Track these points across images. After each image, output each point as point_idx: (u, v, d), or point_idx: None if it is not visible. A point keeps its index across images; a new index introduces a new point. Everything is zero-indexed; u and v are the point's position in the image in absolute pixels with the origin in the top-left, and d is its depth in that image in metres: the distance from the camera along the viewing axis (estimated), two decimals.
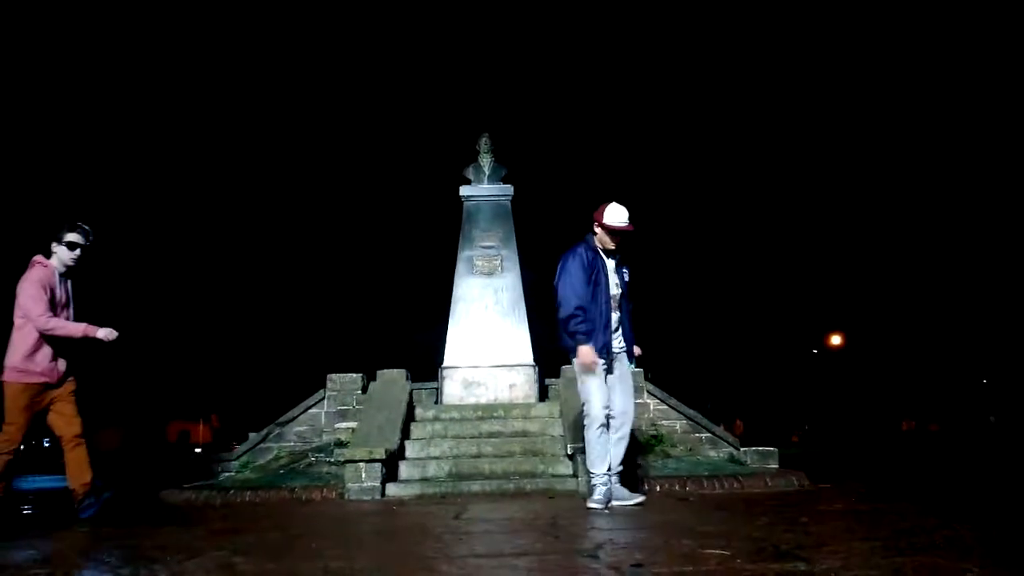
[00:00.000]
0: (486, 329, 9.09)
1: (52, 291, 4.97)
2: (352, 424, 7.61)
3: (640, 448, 7.32)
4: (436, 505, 5.40)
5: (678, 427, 7.94)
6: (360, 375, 8.38)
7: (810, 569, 2.46)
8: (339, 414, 8.15)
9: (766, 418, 43.97)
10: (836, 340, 39.61)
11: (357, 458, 6.28)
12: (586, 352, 4.78)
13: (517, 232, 9.60)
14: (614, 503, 4.84)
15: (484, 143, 9.84)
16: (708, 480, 6.15)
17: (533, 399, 8.66)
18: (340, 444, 7.33)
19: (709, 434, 7.86)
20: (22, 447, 4.97)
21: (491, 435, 7.45)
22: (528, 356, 9.03)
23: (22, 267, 5.02)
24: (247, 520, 4.79)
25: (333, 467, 7.01)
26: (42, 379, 4.91)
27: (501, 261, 9.39)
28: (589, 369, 4.82)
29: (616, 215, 4.93)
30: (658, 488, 5.99)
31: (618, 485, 4.97)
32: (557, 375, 8.33)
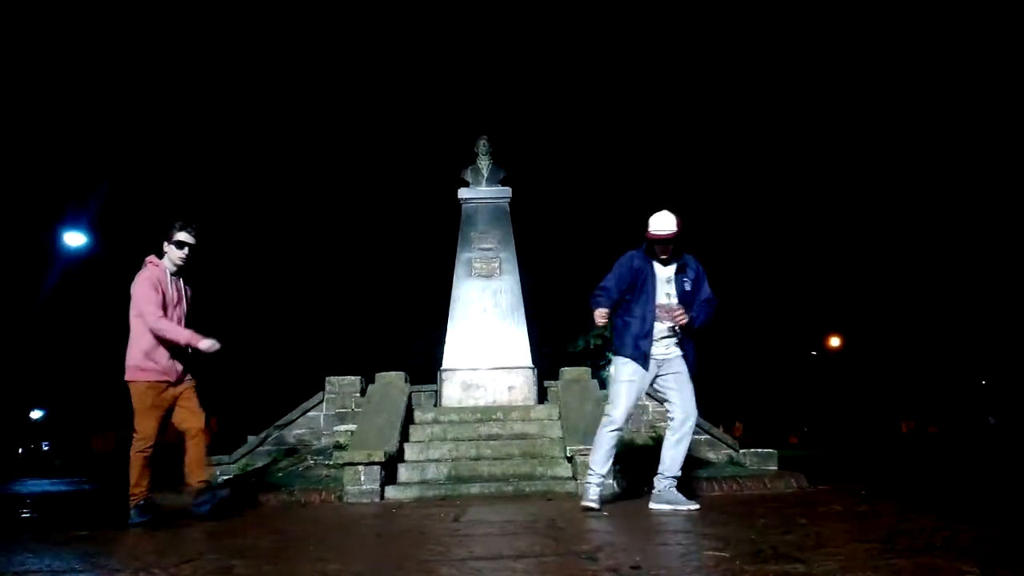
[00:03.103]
0: (485, 331, 9.09)
1: (163, 290, 5.02)
2: (351, 427, 7.61)
3: (639, 451, 7.31)
4: (435, 507, 5.39)
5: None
6: (359, 378, 8.38)
7: (809, 571, 2.46)
8: (338, 417, 8.15)
9: (765, 420, 43.99)
10: (835, 342, 39.62)
11: (356, 461, 6.27)
12: (598, 314, 4.87)
13: (516, 234, 9.61)
14: (668, 507, 4.79)
15: (482, 145, 9.85)
16: (707, 482, 6.15)
17: (532, 401, 8.66)
18: (339, 447, 7.32)
19: (708, 436, 7.86)
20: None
21: (490, 437, 7.45)
22: (527, 358, 9.02)
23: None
24: (245, 523, 4.79)
25: (332, 470, 7.00)
26: (163, 377, 4.97)
27: (500, 263, 9.39)
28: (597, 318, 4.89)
29: (654, 223, 4.85)
30: (645, 489, 5.98)
31: (673, 490, 4.93)
32: (556, 377, 8.34)
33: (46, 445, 43.32)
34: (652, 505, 4.89)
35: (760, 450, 7.62)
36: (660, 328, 4.92)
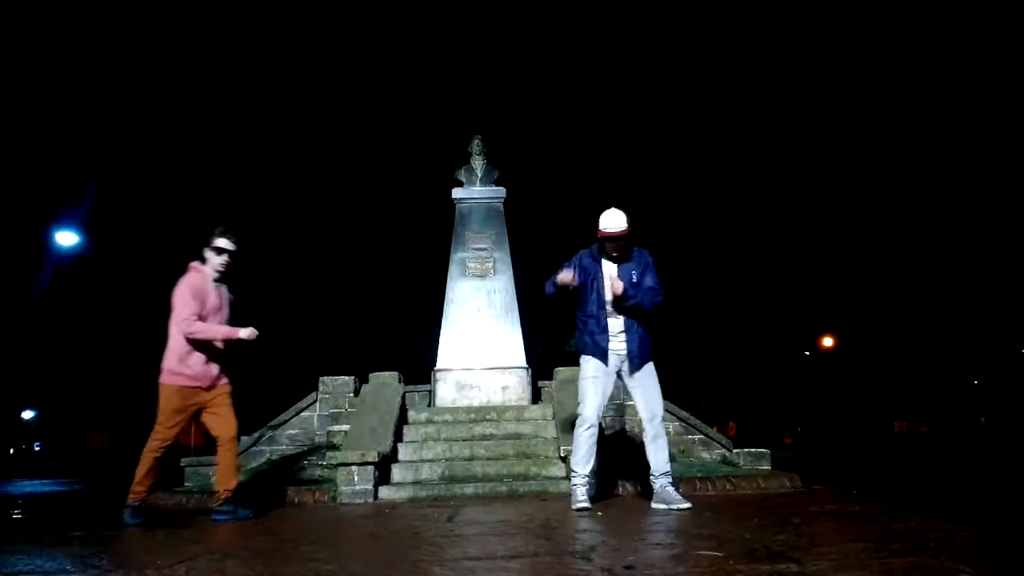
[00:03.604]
0: (479, 331, 9.09)
1: (204, 296, 5.03)
2: (344, 427, 7.59)
3: (633, 450, 7.32)
4: (429, 508, 5.39)
5: (671, 429, 7.93)
6: (352, 378, 8.36)
7: (802, 570, 2.46)
8: (331, 417, 8.13)
9: (759, 420, 44.10)
10: (828, 342, 39.74)
11: (349, 461, 6.26)
12: (561, 276, 4.95)
13: (510, 234, 9.60)
14: (663, 506, 4.80)
15: (476, 145, 9.85)
16: (700, 482, 6.15)
17: (526, 401, 8.66)
18: (332, 447, 7.30)
19: (702, 435, 7.87)
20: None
21: (484, 437, 7.45)
22: (521, 358, 9.02)
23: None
24: (239, 523, 4.77)
25: (325, 470, 6.99)
26: (195, 383, 5.00)
27: (494, 263, 9.39)
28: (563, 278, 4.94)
29: (605, 221, 4.91)
30: (637, 489, 5.99)
31: (668, 488, 4.93)
32: (550, 377, 8.34)
33: (38, 446, 43.15)
34: (654, 504, 4.92)
35: (754, 450, 7.63)
36: (615, 324, 4.98)
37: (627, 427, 7.92)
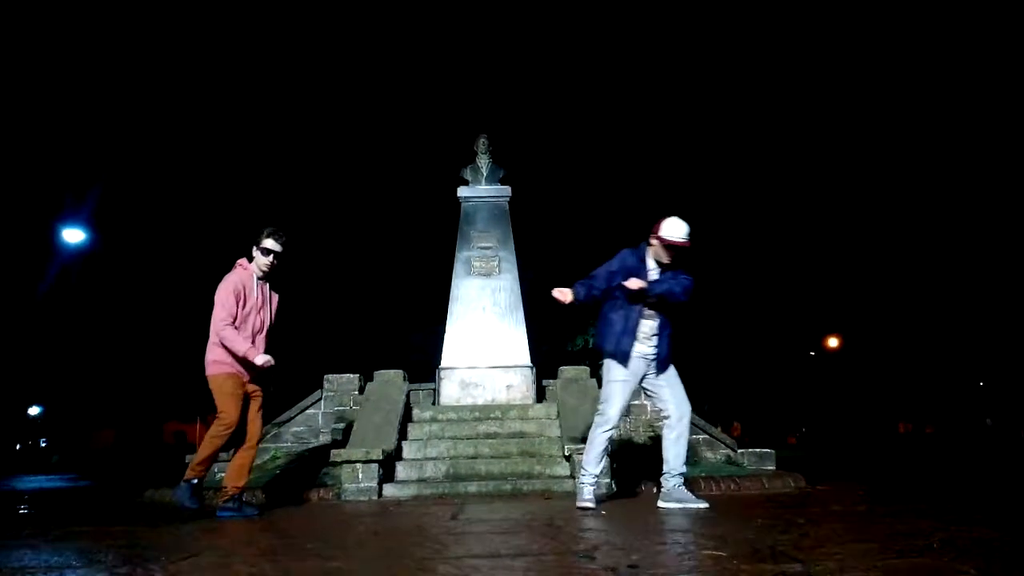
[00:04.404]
0: (484, 330, 9.10)
1: (245, 294, 5.11)
2: (349, 424, 7.61)
3: (638, 450, 7.32)
4: (433, 506, 5.39)
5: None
6: (357, 376, 8.38)
7: (806, 570, 2.46)
8: (336, 415, 8.15)
9: (763, 420, 44.01)
10: (833, 342, 39.63)
11: (354, 459, 6.27)
12: (558, 291, 4.93)
13: (515, 233, 9.61)
14: (677, 505, 4.79)
15: (482, 144, 9.86)
16: (705, 482, 6.15)
17: (530, 400, 8.67)
18: (337, 444, 7.32)
19: (706, 436, 7.87)
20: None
21: (488, 436, 7.45)
22: (525, 357, 9.03)
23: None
24: (244, 520, 4.79)
25: (330, 468, 7.01)
26: (239, 373, 5.07)
27: (499, 262, 9.40)
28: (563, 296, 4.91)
29: (674, 229, 4.81)
30: (655, 490, 5.99)
31: (681, 488, 4.93)
32: (554, 376, 8.34)
33: (44, 441, 43.32)
34: (661, 504, 4.90)
35: (758, 450, 7.62)
36: (649, 326, 4.94)
37: (631, 428, 7.92)
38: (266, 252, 5.19)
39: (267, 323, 5.29)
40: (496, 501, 5.65)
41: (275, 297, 5.42)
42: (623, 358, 4.89)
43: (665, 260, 4.88)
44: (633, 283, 4.76)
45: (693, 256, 5.03)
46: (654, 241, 4.87)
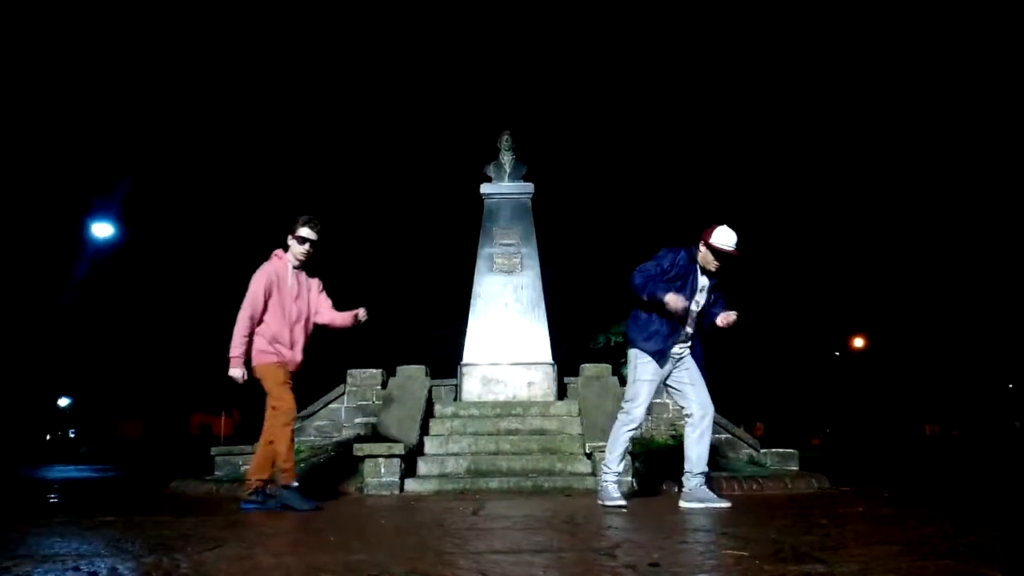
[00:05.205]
0: (505, 327, 9.11)
1: (279, 284, 5.08)
2: (371, 419, 7.66)
3: (659, 449, 7.29)
4: (454, 501, 5.42)
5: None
6: (380, 371, 8.43)
7: (829, 571, 2.44)
8: (359, 409, 8.21)
9: (786, 420, 43.61)
10: (859, 343, 39.20)
11: (376, 453, 6.32)
12: (671, 299, 4.70)
13: (537, 230, 9.61)
14: (700, 505, 4.77)
15: (505, 141, 9.85)
16: (727, 481, 6.12)
17: (551, 397, 8.67)
18: (359, 439, 7.37)
19: (729, 435, 7.82)
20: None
21: (509, 432, 7.47)
22: (547, 354, 9.03)
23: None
24: (267, 512, 4.84)
25: (353, 462, 7.05)
26: (286, 362, 5.07)
27: (521, 259, 9.40)
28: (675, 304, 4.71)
29: (725, 237, 4.80)
30: (676, 489, 5.97)
31: (703, 487, 4.92)
32: (576, 373, 8.33)
33: (72, 432, 44.08)
34: (683, 503, 4.87)
35: (781, 450, 7.56)
36: (687, 332, 4.95)
37: (652, 426, 7.90)
38: (302, 240, 5.15)
39: (306, 313, 5.24)
40: (517, 497, 5.67)
41: (314, 283, 5.36)
42: (660, 358, 4.88)
43: (712, 267, 4.87)
44: (675, 301, 4.70)
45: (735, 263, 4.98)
46: (703, 247, 4.86)
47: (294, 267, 5.20)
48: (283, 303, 5.09)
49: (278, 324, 5.06)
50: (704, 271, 4.90)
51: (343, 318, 5.35)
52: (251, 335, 5.04)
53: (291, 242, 5.19)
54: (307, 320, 5.27)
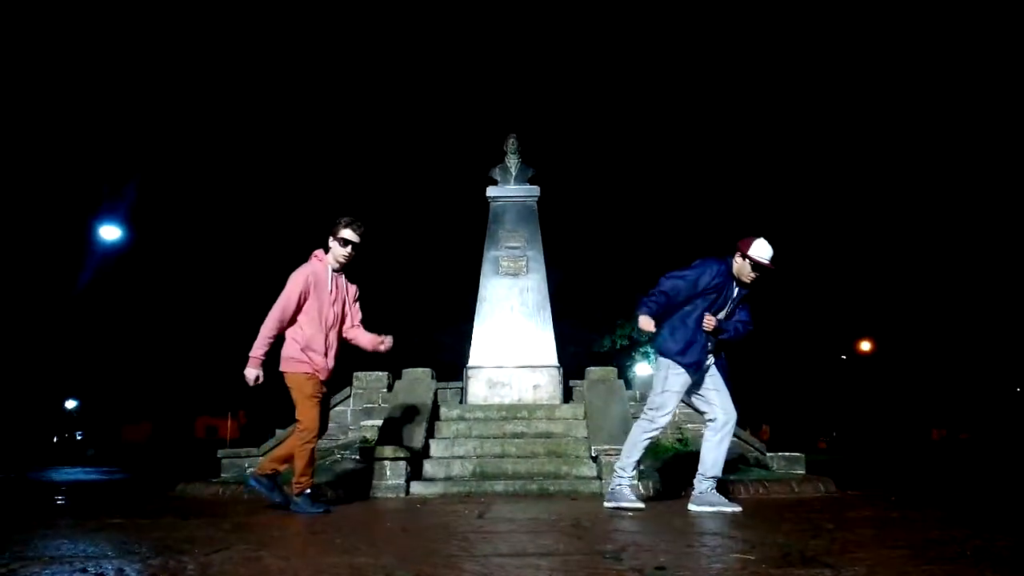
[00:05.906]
0: (511, 329, 9.11)
1: (318, 287, 4.92)
2: (377, 422, 7.67)
3: (665, 453, 7.28)
4: (460, 504, 5.42)
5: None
6: (386, 374, 8.44)
7: (836, 575, 2.43)
8: (365, 412, 8.22)
9: (793, 424, 43.48)
10: (866, 346, 39.04)
11: (382, 456, 6.32)
12: (643, 321, 4.81)
13: (543, 233, 9.62)
14: (710, 508, 4.75)
15: (511, 144, 9.87)
16: (733, 485, 6.10)
17: (557, 400, 8.66)
18: (365, 442, 7.38)
19: (734, 439, 7.80)
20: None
21: (515, 436, 7.47)
22: (553, 357, 9.03)
23: None
24: (273, 515, 4.85)
25: (358, 464, 7.07)
26: (317, 372, 4.91)
27: (527, 262, 9.41)
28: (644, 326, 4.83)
29: (763, 250, 4.80)
30: (682, 492, 5.96)
31: (714, 491, 4.92)
32: (581, 376, 8.33)
33: (79, 434, 44.23)
34: (692, 507, 4.85)
35: (788, 453, 7.54)
36: (714, 341, 4.97)
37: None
38: (344, 243, 4.99)
39: (341, 318, 5.09)
40: (523, 501, 5.66)
41: (352, 288, 5.23)
42: (696, 370, 4.88)
43: (747, 279, 4.86)
44: (646, 324, 4.80)
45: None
46: (740, 259, 4.84)
47: (334, 270, 5.05)
48: (320, 307, 4.92)
49: (313, 328, 4.89)
50: (739, 282, 4.90)
51: (368, 340, 5.18)
52: (276, 337, 4.89)
53: (332, 244, 5.02)
54: (342, 326, 5.13)
